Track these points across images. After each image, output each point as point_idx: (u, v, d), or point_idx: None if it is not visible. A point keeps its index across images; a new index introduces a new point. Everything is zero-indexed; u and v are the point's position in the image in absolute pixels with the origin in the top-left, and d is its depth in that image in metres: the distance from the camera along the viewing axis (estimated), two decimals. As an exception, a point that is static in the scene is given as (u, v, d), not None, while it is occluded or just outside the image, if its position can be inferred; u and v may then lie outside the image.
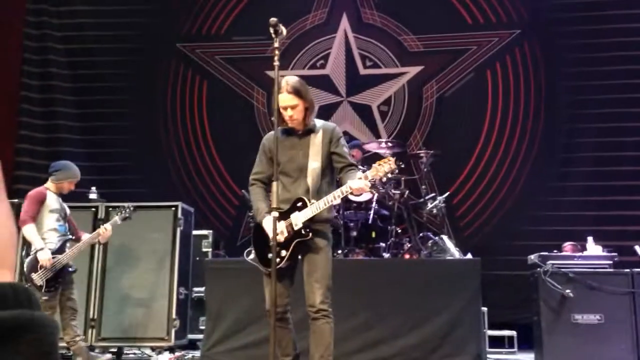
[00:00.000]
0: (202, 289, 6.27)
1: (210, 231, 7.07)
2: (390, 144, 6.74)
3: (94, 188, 6.64)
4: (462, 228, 7.88)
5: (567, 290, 5.16)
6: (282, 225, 3.52)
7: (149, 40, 8.87)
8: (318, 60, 8.67)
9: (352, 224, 6.28)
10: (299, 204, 3.57)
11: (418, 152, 7.00)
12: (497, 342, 6.48)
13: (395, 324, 5.34)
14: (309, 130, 3.66)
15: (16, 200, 5.43)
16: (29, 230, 4.90)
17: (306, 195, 3.58)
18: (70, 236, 5.20)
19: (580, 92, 7.95)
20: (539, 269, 5.32)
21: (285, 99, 3.54)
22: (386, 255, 6.17)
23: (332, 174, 3.74)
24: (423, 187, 6.76)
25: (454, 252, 5.95)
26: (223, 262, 6.32)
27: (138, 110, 8.77)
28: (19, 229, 4.87)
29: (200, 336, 6.08)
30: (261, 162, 3.76)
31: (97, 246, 6.21)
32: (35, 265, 4.84)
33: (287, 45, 8.30)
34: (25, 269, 4.94)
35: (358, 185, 3.46)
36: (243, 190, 6.50)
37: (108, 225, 5.19)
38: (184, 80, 8.83)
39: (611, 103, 7.84)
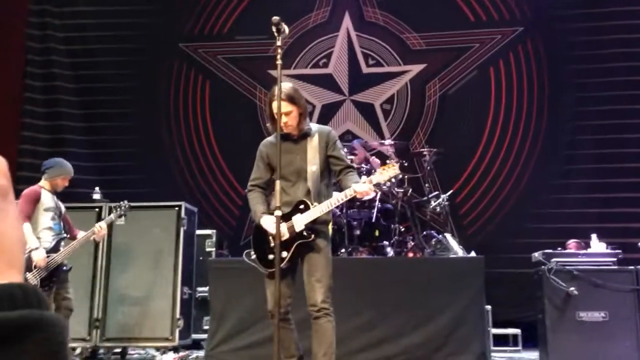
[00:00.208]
0: (206, 288, 6.27)
1: (214, 231, 7.07)
2: (393, 143, 6.73)
3: (97, 188, 6.64)
4: (466, 226, 7.87)
5: (572, 288, 5.14)
6: (283, 227, 3.55)
7: (151, 41, 8.88)
8: (321, 59, 8.67)
9: (355, 223, 6.27)
10: (301, 207, 3.61)
11: (421, 150, 7.00)
12: (501, 340, 6.47)
13: (399, 322, 5.34)
14: (305, 135, 3.72)
15: (17, 200, 5.42)
16: (24, 229, 4.86)
17: (307, 197, 3.63)
18: (65, 235, 5.18)
19: (583, 89, 7.93)
20: (543, 267, 5.30)
21: (280, 106, 3.57)
22: (390, 253, 6.17)
23: (329, 176, 3.79)
24: (426, 185, 6.76)
25: (458, 250, 5.95)
26: (226, 261, 6.33)
27: (141, 111, 8.78)
28: None
29: (204, 336, 6.09)
30: (259, 168, 3.80)
31: (100, 246, 6.22)
32: (29, 265, 4.82)
33: (289, 44, 8.30)
34: None
35: (363, 189, 3.50)
36: (246, 190, 6.50)
37: (103, 224, 5.16)
38: (187, 80, 8.84)
39: (614, 100, 7.82)
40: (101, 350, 6.24)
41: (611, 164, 7.73)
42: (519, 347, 6.44)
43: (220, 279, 5.69)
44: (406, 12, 8.55)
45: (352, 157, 6.32)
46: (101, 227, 5.12)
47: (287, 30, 3.52)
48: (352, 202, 6.22)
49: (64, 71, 8.89)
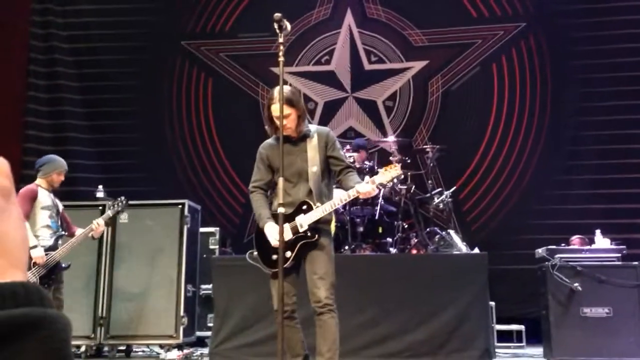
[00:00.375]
0: (210, 286, 6.28)
1: (217, 228, 7.08)
2: (396, 140, 6.73)
3: (100, 186, 6.65)
4: (469, 223, 7.86)
5: (576, 284, 5.14)
6: (286, 228, 3.57)
7: (153, 39, 8.88)
8: (323, 56, 8.66)
9: (358, 220, 6.28)
10: (304, 207, 3.65)
11: (424, 147, 6.99)
12: (505, 336, 6.47)
13: (403, 319, 5.34)
14: (304, 136, 3.75)
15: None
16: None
17: (309, 198, 3.66)
18: (63, 232, 5.20)
19: (587, 85, 7.91)
20: (546, 263, 5.30)
21: (278, 109, 3.59)
22: (393, 250, 6.17)
23: (329, 176, 3.82)
24: (429, 182, 6.75)
25: (461, 246, 5.94)
26: (230, 259, 6.33)
27: (144, 109, 8.79)
28: None
29: (209, 333, 6.10)
30: (259, 170, 3.83)
31: (104, 244, 6.23)
32: (28, 263, 4.82)
33: (291, 41, 8.30)
34: None
35: (366, 189, 3.55)
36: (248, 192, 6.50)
37: (100, 220, 5.16)
38: (189, 78, 8.84)
39: (618, 95, 7.80)
40: (105, 348, 6.25)
41: (615, 159, 7.71)
42: (523, 343, 6.43)
43: (223, 277, 5.70)
44: (408, 9, 8.54)
45: (355, 154, 6.33)
46: (99, 224, 5.12)
47: (289, 27, 3.53)
48: (355, 199, 6.22)
49: (68, 70, 8.91)
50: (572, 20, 8.11)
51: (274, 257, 3.54)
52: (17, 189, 6.20)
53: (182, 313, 6.01)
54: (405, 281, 5.45)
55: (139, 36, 8.90)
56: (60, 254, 4.98)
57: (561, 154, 7.89)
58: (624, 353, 5.05)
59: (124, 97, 8.78)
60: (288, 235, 3.58)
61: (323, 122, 8.24)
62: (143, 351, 6.50)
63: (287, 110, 3.61)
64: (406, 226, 6.48)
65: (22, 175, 8.23)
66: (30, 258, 4.82)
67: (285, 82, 3.63)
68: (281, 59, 3.51)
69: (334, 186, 3.93)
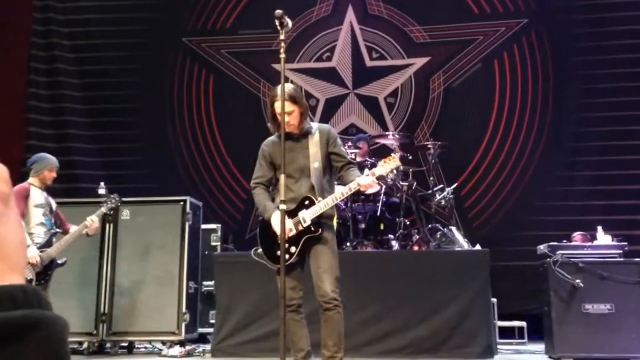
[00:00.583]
0: (212, 282, 6.29)
1: (219, 225, 7.08)
2: (397, 136, 6.73)
3: (102, 183, 6.66)
4: (471, 219, 7.86)
5: (577, 280, 5.14)
6: (290, 224, 3.62)
7: (155, 35, 8.88)
8: (324, 52, 8.65)
9: (360, 216, 6.28)
10: (307, 202, 3.70)
11: (425, 143, 6.98)
12: (507, 333, 6.48)
13: (405, 315, 5.34)
14: (306, 133, 3.81)
15: None
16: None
17: (311, 193, 3.71)
18: (58, 230, 5.22)
19: (588, 81, 7.90)
20: (548, 259, 5.30)
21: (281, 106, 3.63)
22: (395, 247, 6.17)
23: (331, 172, 3.88)
24: (431, 178, 6.75)
25: (463, 243, 5.95)
26: (232, 256, 6.35)
27: (145, 106, 8.79)
28: None
29: (211, 330, 6.12)
30: (261, 166, 3.88)
31: (106, 241, 6.24)
32: None
33: (293, 38, 8.29)
34: None
35: (366, 181, 3.61)
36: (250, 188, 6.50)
37: (94, 217, 5.18)
38: (191, 75, 8.84)
39: (619, 91, 7.79)
40: (108, 345, 6.27)
41: (616, 155, 7.70)
42: (525, 340, 6.44)
43: (225, 273, 5.71)
44: (410, 5, 8.53)
45: (356, 150, 6.33)
46: (93, 221, 5.15)
47: (290, 23, 3.54)
48: (357, 195, 6.23)
49: (68, 66, 8.91)
50: (574, 17, 8.10)
51: (279, 252, 3.57)
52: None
53: (184, 310, 6.02)
54: (407, 278, 5.46)
55: (140, 33, 8.89)
56: (54, 251, 5.02)
57: (563, 151, 7.88)
58: (626, 349, 5.06)
59: (125, 93, 8.78)
60: (292, 231, 3.63)
61: (324, 118, 8.24)
62: (145, 347, 6.52)
63: (290, 107, 3.66)
64: (408, 223, 6.48)
65: (24, 173, 8.25)
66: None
67: (286, 80, 3.65)
68: (282, 55, 3.52)
69: (335, 182, 3.96)
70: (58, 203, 5.41)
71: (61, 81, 8.87)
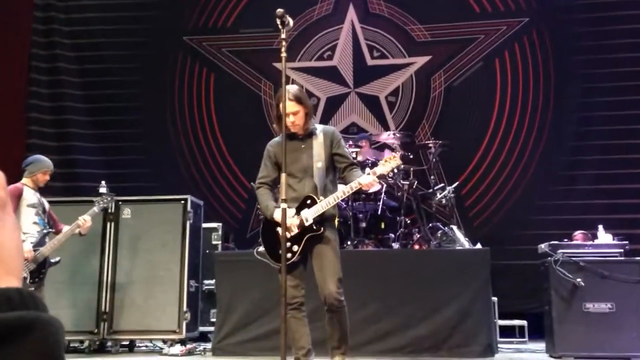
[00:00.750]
0: (213, 281, 6.29)
1: (220, 224, 7.09)
2: (398, 135, 6.73)
3: (103, 182, 6.67)
4: (472, 218, 7.86)
5: (578, 279, 5.14)
6: (293, 222, 3.66)
7: (156, 34, 8.88)
8: (325, 51, 8.65)
9: (361, 215, 6.28)
10: (308, 202, 3.73)
11: (426, 142, 6.98)
12: (507, 332, 6.48)
13: (405, 314, 5.34)
14: (310, 134, 3.85)
15: None
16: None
17: (314, 193, 3.74)
18: (51, 229, 5.28)
19: (590, 80, 7.89)
20: (549, 258, 5.30)
21: (287, 106, 3.71)
22: (395, 246, 6.17)
23: (334, 173, 3.92)
24: (432, 177, 6.75)
25: (464, 242, 5.94)
26: (233, 254, 6.35)
27: (146, 104, 8.79)
28: None
29: (212, 328, 6.12)
30: (266, 166, 3.92)
31: (107, 240, 6.25)
32: None
33: (294, 36, 8.29)
34: None
35: (367, 180, 3.65)
36: (252, 183, 6.51)
37: (87, 216, 5.23)
38: (192, 73, 8.84)
39: (621, 91, 7.78)
40: (109, 343, 6.27)
41: (618, 154, 7.70)
42: (525, 339, 6.44)
43: (226, 272, 5.71)
44: (411, 4, 8.52)
45: (357, 149, 6.33)
46: (85, 220, 5.21)
47: (291, 22, 3.55)
48: (357, 194, 6.23)
49: (69, 65, 8.91)
50: (575, 16, 8.09)
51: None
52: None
53: (185, 308, 6.03)
54: (407, 277, 5.46)
55: (141, 32, 8.90)
56: (48, 250, 5.07)
57: (564, 149, 7.88)
58: (627, 348, 5.06)
59: (127, 92, 8.78)
60: (294, 229, 3.66)
61: (325, 117, 8.25)
62: (146, 346, 6.53)
63: (296, 107, 3.72)
64: (409, 222, 6.48)
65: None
66: None
67: (287, 78, 3.65)
68: (284, 54, 3.52)
69: (338, 182, 3.98)
70: (52, 202, 5.46)
71: (62, 80, 8.87)
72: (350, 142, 6.40)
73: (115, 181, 7.34)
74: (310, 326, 3.79)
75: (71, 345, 6.24)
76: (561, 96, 8.02)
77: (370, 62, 8.56)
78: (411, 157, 6.73)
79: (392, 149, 6.63)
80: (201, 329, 6.54)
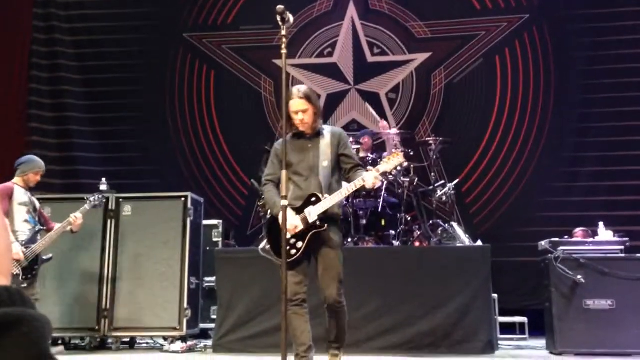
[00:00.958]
0: (213, 278, 6.29)
1: (220, 221, 7.09)
2: (398, 132, 6.72)
3: (103, 179, 6.67)
4: (472, 215, 7.86)
5: (579, 276, 5.15)
6: (297, 219, 3.70)
7: (156, 31, 8.88)
8: (325, 48, 8.64)
9: (361, 212, 6.28)
10: (313, 199, 3.76)
11: (427, 139, 6.97)
12: (508, 328, 6.48)
13: (406, 311, 5.35)
14: (317, 133, 3.90)
15: None
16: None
17: (319, 191, 3.78)
18: (42, 227, 5.35)
19: (590, 77, 7.89)
20: (549, 255, 5.30)
21: (297, 104, 3.76)
22: (396, 243, 6.17)
23: (339, 173, 3.96)
24: (432, 174, 6.74)
25: (464, 239, 5.94)
26: (233, 251, 6.35)
27: (146, 101, 8.79)
28: None
29: (212, 325, 6.13)
30: (273, 165, 3.97)
31: (108, 237, 6.25)
32: None
33: (294, 33, 8.28)
34: None
35: (370, 178, 3.67)
36: (252, 180, 6.51)
37: (78, 214, 5.30)
38: (192, 70, 8.84)
39: (622, 87, 7.78)
40: (110, 340, 6.28)
41: (618, 151, 7.69)
42: (526, 336, 6.44)
43: (227, 269, 5.72)
44: (411, 1, 8.52)
45: (358, 146, 6.31)
46: (76, 217, 5.26)
47: (291, 19, 3.55)
48: (358, 191, 6.22)
49: (69, 62, 8.91)
50: (575, 12, 8.08)
51: (288, 247, 3.64)
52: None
53: (185, 305, 6.03)
54: (408, 274, 5.46)
55: (141, 28, 8.89)
56: (39, 247, 5.14)
57: (564, 146, 7.88)
58: (627, 345, 5.06)
59: (127, 89, 8.79)
60: (299, 226, 3.70)
61: (326, 114, 8.24)
62: (147, 343, 6.53)
63: (305, 105, 3.77)
64: (409, 218, 6.47)
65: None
66: None
67: (287, 75, 3.66)
68: (284, 51, 3.52)
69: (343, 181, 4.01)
70: (48, 199, 5.51)
71: (62, 77, 8.87)
72: (351, 140, 6.39)
73: (116, 178, 7.34)
74: (311, 323, 3.80)
75: (72, 342, 6.25)
76: (561, 93, 8.01)
77: (370, 58, 8.55)
78: (412, 153, 6.73)
79: (393, 146, 6.62)
80: (202, 326, 6.55)
